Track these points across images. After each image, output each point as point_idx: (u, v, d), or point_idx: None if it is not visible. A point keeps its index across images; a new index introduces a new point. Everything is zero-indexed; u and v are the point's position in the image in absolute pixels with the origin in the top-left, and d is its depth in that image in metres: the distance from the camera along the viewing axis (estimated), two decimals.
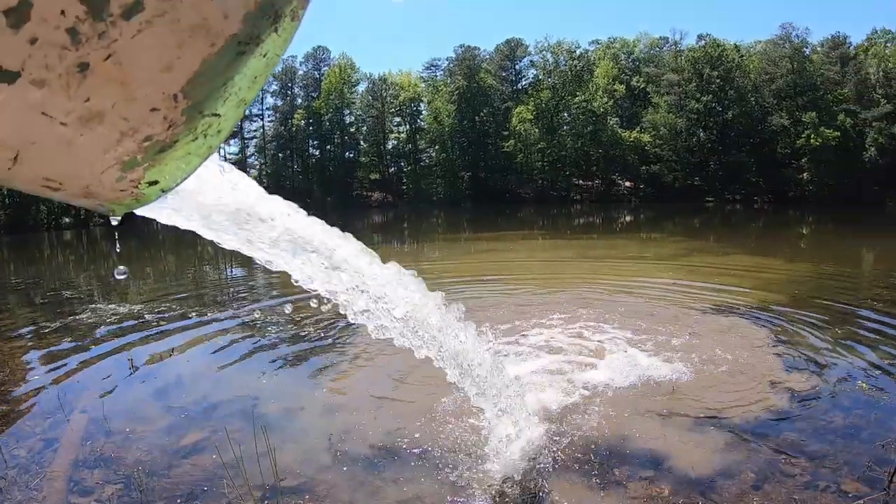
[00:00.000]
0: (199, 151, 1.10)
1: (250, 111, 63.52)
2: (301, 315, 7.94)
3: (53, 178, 0.97)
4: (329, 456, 3.86)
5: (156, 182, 1.09)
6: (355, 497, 3.32)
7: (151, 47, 0.87)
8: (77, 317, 8.39)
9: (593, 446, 3.84)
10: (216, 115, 1.06)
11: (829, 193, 47.86)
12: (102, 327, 7.67)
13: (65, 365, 6.06)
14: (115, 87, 0.88)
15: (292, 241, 2.42)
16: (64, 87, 0.84)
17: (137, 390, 5.32)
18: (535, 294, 9.28)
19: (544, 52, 63.14)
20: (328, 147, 66.00)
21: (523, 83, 65.96)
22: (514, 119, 59.83)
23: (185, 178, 1.16)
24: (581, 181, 60.54)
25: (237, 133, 64.93)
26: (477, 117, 61.44)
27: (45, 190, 0.99)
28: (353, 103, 66.06)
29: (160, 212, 1.68)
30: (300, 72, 66.47)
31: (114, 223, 1.26)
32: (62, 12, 0.79)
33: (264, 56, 1.04)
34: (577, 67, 60.47)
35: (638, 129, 58.58)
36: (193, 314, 8.37)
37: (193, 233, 1.90)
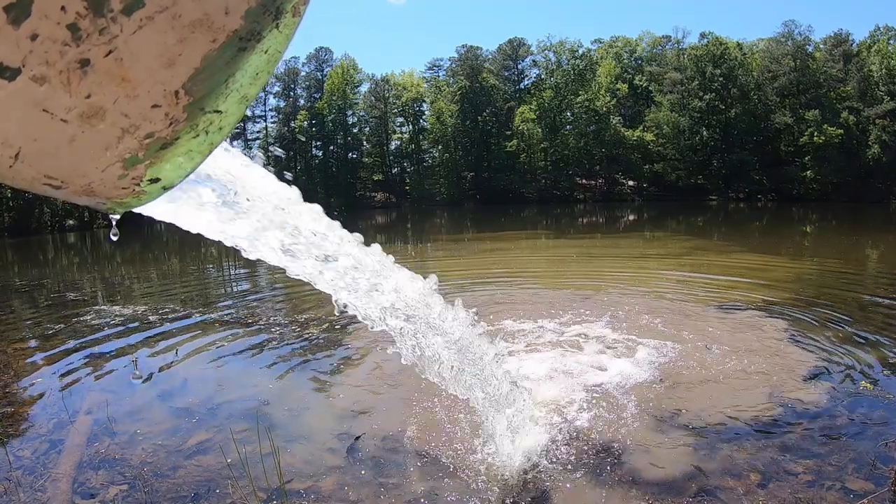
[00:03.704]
0: (200, 148, 1.10)
1: (253, 112, 63.71)
2: (305, 316, 7.95)
3: (55, 176, 0.97)
4: (334, 456, 3.86)
5: (157, 179, 1.09)
6: (360, 497, 3.32)
7: (152, 43, 0.86)
8: (81, 318, 8.40)
9: (596, 445, 3.83)
10: (218, 111, 1.05)
11: (833, 191, 47.81)
12: (107, 329, 7.68)
13: (69, 366, 6.07)
14: (117, 83, 0.87)
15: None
16: (65, 84, 0.84)
17: (142, 391, 5.33)
18: (539, 293, 9.27)
19: (546, 51, 63.23)
20: (331, 148, 66.13)
21: (526, 83, 66.06)
22: (516, 119, 59.88)
23: (187, 176, 1.15)
24: (584, 180, 60.57)
25: (240, 134, 65.13)
26: (479, 117, 61.49)
27: (46, 188, 0.99)
28: (356, 104, 66.19)
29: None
30: (303, 73, 66.63)
31: (112, 237, 1.26)
32: (62, 8, 0.78)
33: (266, 52, 1.04)
34: (580, 67, 60.46)
35: (641, 127, 58.61)
36: (197, 315, 8.38)
37: (197, 234, 1.89)
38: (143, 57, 0.87)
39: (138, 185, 1.06)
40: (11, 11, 0.75)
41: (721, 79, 53.44)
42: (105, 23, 0.81)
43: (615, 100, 58.97)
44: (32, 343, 7.36)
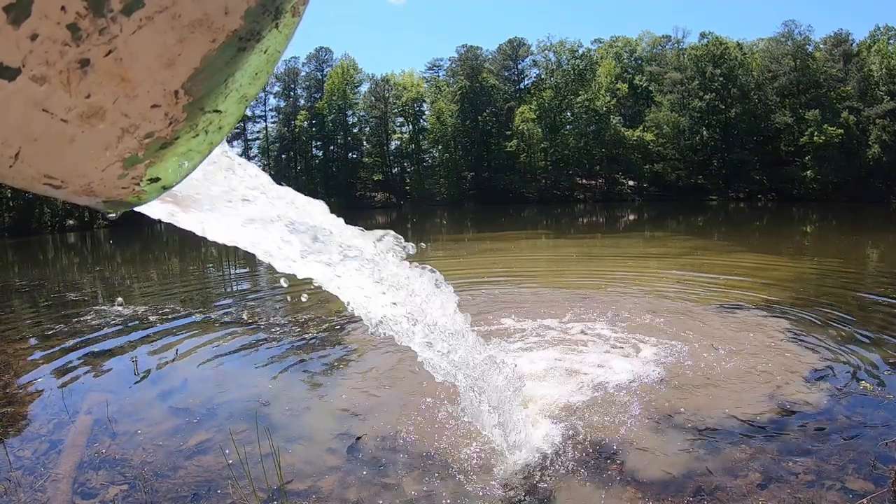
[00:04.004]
0: (200, 148, 1.10)
1: (253, 112, 63.73)
2: (305, 316, 7.95)
3: (55, 176, 0.97)
4: (333, 457, 3.86)
5: (157, 179, 1.09)
6: (360, 497, 3.32)
7: (152, 43, 0.86)
8: (81, 319, 8.40)
9: (596, 445, 3.83)
10: (217, 111, 1.05)
11: (833, 191, 47.81)
12: (107, 329, 7.68)
13: (69, 367, 6.07)
14: (116, 83, 0.87)
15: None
16: (65, 84, 0.84)
17: (142, 392, 5.33)
18: (540, 292, 9.27)
19: (546, 51, 63.21)
20: (331, 148, 66.14)
21: (526, 83, 66.04)
22: (516, 119, 59.86)
23: (187, 175, 1.15)
24: (584, 180, 60.56)
25: (241, 134, 65.11)
26: (480, 117, 61.47)
27: (46, 188, 0.99)
28: (356, 104, 66.17)
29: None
30: (303, 73, 66.64)
31: (111, 214, 1.26)
32: (62, 8, 0.78)
33: (265, 52, 1.04)
34: (580, 66, 60.43)
35: (641, 127, 58.58)
36: (197, 315, 8.38)
37: (197, 235, 1.90)
38: (143, 57, 0.87)
39: (138, 184, 1.07)
40: (11, 11, 0.75)
41: (721, 79, 53.40)
42: (105, 23, 0.82)
43: (615, 100, 58.94)
44: (32, 343, 7.37)
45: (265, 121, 67.02)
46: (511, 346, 6.19)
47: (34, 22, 0.77)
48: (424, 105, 66.15)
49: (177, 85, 0.93)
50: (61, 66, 0.82)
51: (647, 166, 57.33)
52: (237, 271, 14.73)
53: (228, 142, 1.49)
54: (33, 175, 0.95)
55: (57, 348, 6.82)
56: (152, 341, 7.02)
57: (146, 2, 0.83)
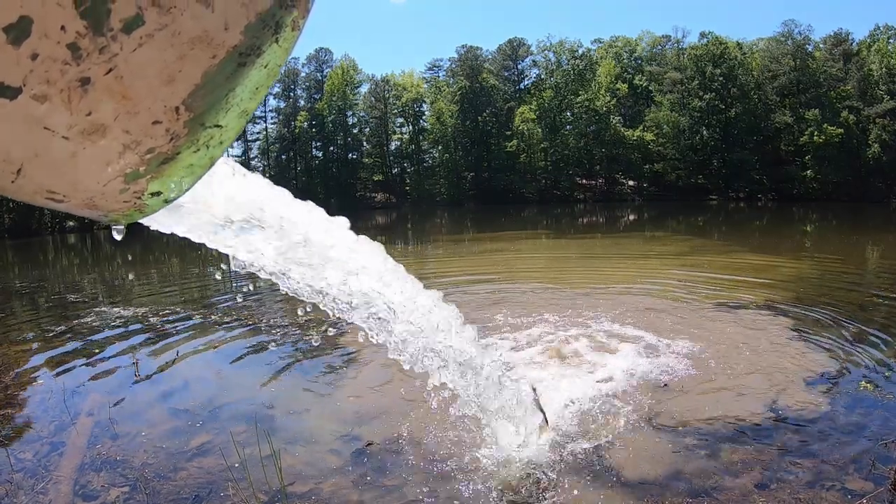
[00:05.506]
0: (201, 162, 1.11)
1: (253, 113, 63.68)
2: (305, 318, 7.95)
3: (57, 191, 0.98)
4: (334, 458, 3.87)
5: (159, 193, 1.10)
6: (361, 499, 3.33)
7: (152, 60, 0.87)
8: (82, 320, 8.41)
9: (597, 445, 3.84)
10: (218, 126, 1.06)
11: (833, 191, 47.77)
12: (107, 330, 7.69)
13: (70, 368, 6.08)
14: (117, 100, 0.88)
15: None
16: (66, 102, 0.85)
17: (143, 393, 5.34)
18: (540, 292, 9.27)
19: (546, 51, 63.16)
20: (331, 148, 66.06)
21: (526, 83, 65.99)
22: (516, 119, 59.80)
23: (188, 189, 1.16)
24: (584, 180, 60.52)
25: (241, 135, 64.94)
26: (480, 117, 61.40)
27: (48, 202, 1.00)
28: (356, 104, 66.09)
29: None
30: (303, 73, 66.57)
31: (116, 234, 1.28)
32: (62, 28, 0.79)
33: (265, 67, 1.05)
34: (580, 66, 60.36)
35: (641, 127, 58.52)
36: (198, 317, 8.39)
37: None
38: (144, 74, 0.88)
39: (140, 198, 1.08)
40: (11, 31, 0.76)
41: (721, 78, 53.35)
42: (105, 41, 0.82)
43: (615, 100, 58.88)
44: (33, 345, 7.38)
45: (265, 122, 66.99)
46: (509, 344, 6.19)
47: (34, 41, 0.78)
48: (424, 105, 66.09)
49: (177, 101, 0.94)
50: (62, 84, 0.83)
51: (647, 166, 57.29)
52: (237, 272, 14.71)
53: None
54: (35, 190, 0.96)
55: (58, 350, 6.83)
56: (153, 342, 7.03)
57: (146, 20, 0.83)
